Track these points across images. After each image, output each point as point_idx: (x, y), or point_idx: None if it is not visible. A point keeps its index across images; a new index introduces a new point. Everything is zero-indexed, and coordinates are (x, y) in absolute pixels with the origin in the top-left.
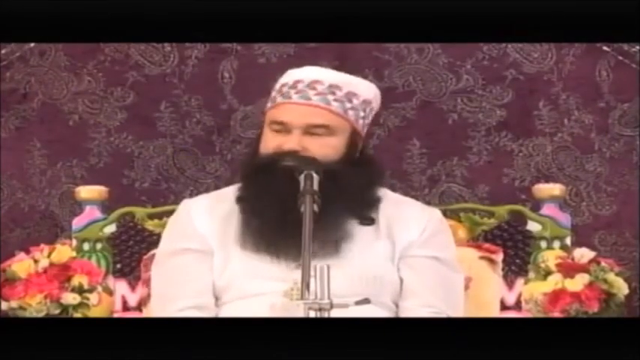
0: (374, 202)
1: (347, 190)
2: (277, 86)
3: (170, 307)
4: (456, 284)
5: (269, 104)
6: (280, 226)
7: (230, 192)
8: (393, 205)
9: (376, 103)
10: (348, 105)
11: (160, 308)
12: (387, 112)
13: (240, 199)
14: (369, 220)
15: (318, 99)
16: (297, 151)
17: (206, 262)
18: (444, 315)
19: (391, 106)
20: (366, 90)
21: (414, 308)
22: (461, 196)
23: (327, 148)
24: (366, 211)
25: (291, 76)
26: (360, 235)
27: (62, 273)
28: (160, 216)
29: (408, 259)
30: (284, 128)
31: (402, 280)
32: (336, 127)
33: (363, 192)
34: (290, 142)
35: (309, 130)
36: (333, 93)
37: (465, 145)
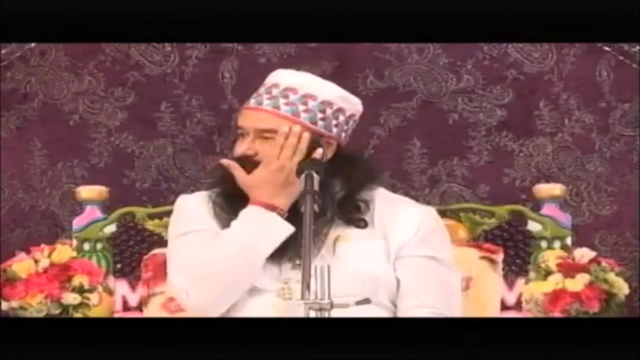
0: (360, 206)
1: (324, 194)
2: None
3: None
4: (452, 284)
5: None
6: None
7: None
8: (387, 204)
9: (345, 103)
10: (302, 107)
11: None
12: (388, 112)
13: (229, 197)
14: (360, 223)
15: (268, 103)
16: (249, 156)
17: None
18: (441, 315)
19: (392, 106)
20: (326, 91)
21: (412, 308)
22: (461, 196)
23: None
24: (353, 214)
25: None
26: (355, 235)
27: (63, 273)
28: (161, 216)
29: (403, 259)
30: (243, 132)
31: (398, 280)
32: None
33: (348, 195)
34: (243, 147)
35: (260, 135)
36: (286, 96)
37: (466, 145)
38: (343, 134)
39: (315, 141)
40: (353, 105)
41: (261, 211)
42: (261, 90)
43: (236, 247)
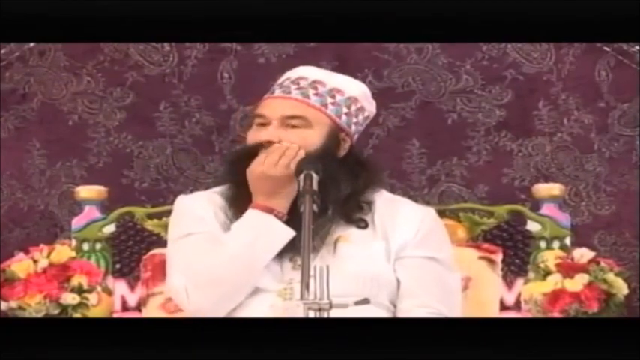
0: (363, 206)
1: (332, 190)
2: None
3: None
4: (452, 284)
5: None
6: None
7: (224, 190)
8: (387, 205)
9: (367, 103)
10: (330, 100)
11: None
12: (387, 112)
13: (233, 198)
14: (361, 223)
15: (297, 92)
16: (272, 142)
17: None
18: (441, 315)
19: (391, 106)
20: (352, 87)
21: (412, 309)
22: (460, 196)
23: (304, 140)
24: (354, 214)
25: (284, 75)
26: (357, 235)
27: (61, 273)
28: (160, 216)
29: (403, 259)
30: (265, 121)
31: (398, 281)
32: (313, 120)
33: (353, 195)
34: (267, 134)
35: (286, 122)
36: (315, 88)
37: (465, 145)
38: (357, 135)
39: (334, 135)
40: (371, 105)
41: (260, 215)
42: (286, 82)
43: (236, 251)
